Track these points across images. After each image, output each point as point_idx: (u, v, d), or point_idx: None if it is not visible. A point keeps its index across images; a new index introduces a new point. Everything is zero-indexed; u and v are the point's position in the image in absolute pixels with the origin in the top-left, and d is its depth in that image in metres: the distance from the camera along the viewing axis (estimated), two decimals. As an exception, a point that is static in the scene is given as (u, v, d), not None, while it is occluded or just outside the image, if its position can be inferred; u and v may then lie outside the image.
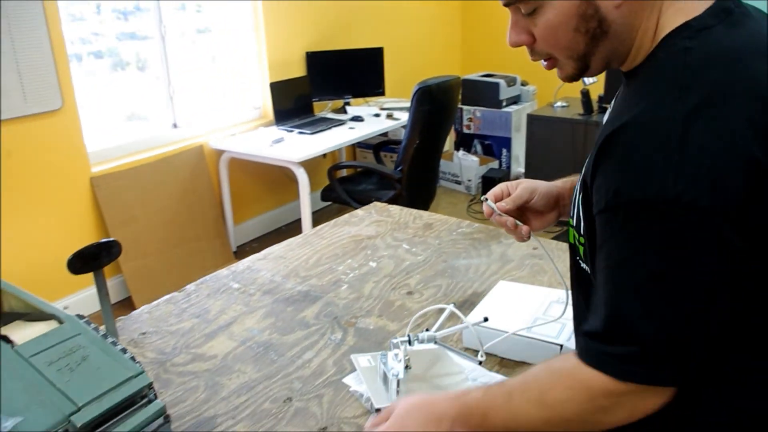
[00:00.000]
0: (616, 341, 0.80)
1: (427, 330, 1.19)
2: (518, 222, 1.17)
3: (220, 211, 4.22)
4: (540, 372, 0.90)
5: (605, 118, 1.06)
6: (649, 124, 0.76)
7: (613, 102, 1.04)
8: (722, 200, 0.72)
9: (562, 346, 1.20)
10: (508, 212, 1.17)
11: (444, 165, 5.32)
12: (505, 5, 0.90)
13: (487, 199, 1.16)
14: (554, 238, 1.81)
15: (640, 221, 0.76)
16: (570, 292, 1.12)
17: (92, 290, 1.27)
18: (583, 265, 0.95)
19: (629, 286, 0.79)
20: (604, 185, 0.79)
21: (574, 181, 1.23)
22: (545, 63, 0.94)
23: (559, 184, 1.22)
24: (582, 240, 0.92)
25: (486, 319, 1.23)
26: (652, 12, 0.85)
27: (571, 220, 0.97)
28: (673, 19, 0.84)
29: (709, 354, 0.80)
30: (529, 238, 1.17)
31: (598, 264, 0.83)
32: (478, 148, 5.43)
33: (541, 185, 1.20)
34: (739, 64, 0.78)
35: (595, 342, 0.82)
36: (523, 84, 5.43)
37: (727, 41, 0.81)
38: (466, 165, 5.23)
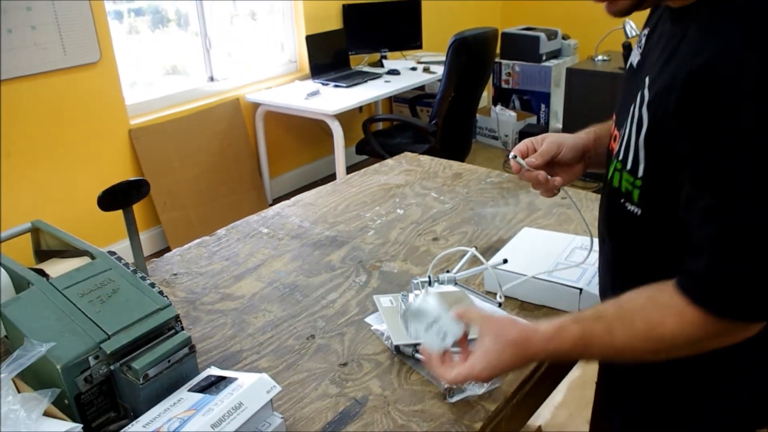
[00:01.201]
0: (722, 281, 0.81)
1: (447, 272, 1.21)
2: (548, 176, 1.17)
3: (257, 164, 4.27)
4: (644, 307, 0.88)
5: (634, 59, 1.04)
6: (745, 61, 0.74)
7: (644, 41, 1.02)
8: None
9: (581, 290, 1.21)
10: (537, 167, 1.16)
11: (481, 120, 5.28)
12: None
13: (516, 156, 1.14)
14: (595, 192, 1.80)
15: (745, 156, 0.75)
16: (596, 239, 1.12)
17: (129, 242, 1.32)
18: (631, 208, 0.94)
19: (737, 223, 0.78)
20: (705, 126, 0.77)
21: (597, 131, 1.22)
22: None
23: (583, 135, 1.20)
24: (638, 183, 0.90)
25: (505, 261, 1.24)
26: None
27: (618, 163, 0.94)
28: None
29: None
30: (558, 191, 1.17)
31: (697, 203, 0.81)
32: (516, 103, 5.37)
33: (566, 138, 1.19)
34: None
35: (703, 282, 0.83)
36: (564, 38, 5.32)
37: None
38: (503, 120, 5.18)
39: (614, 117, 1.09)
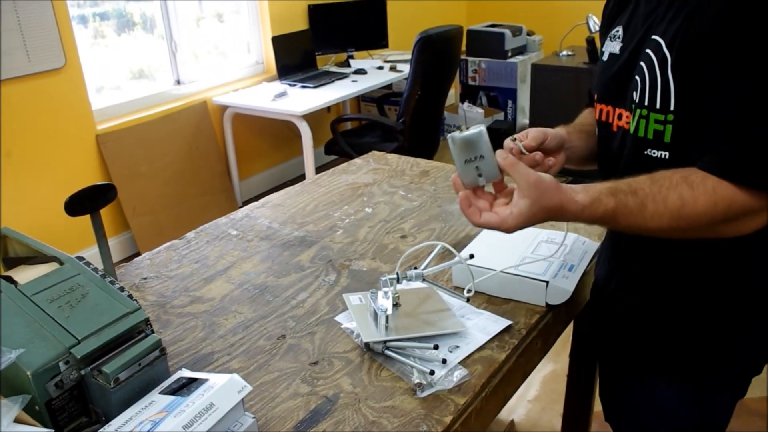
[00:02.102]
0: (754, 156, 0.87)
1: (415, 268, 1.23)
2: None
3: (226, 166, 4.25)
4: (678, 184, 0.93)
5: (614, 49, 1.10)
6: None
7: (622, 32, 1.09)
8: None
9: (548, 282, 1.23)
10: (532, 150, 1.19)
11: (449, 117, 5.32)
12: None
13: (515, 139, 1.16)
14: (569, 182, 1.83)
15: None
16: (571, 233, 1.15)
17: (98, 249, 1.31)
18: (658, 154, 0.99)
19: None
20: (755, 19, 0.85)
21: (567, 129, 1.26)
22: None
23: (558, 129, 1.24)
24: (670, 117, 0.96)
25: (472, 256, 1.26)
26: None
27: (642, 110, 0.99)
28: None
29: None
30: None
31: (736, 91, 0.88)
32: (484, 99, 5.41)
33: (548, 129, 1.23)
34: None
35: (735, 160, 0.89)
36: (529, 34, 5.38)
37: None
38: (470, 117, 5.22)
39: (598, 106, 1.16)
